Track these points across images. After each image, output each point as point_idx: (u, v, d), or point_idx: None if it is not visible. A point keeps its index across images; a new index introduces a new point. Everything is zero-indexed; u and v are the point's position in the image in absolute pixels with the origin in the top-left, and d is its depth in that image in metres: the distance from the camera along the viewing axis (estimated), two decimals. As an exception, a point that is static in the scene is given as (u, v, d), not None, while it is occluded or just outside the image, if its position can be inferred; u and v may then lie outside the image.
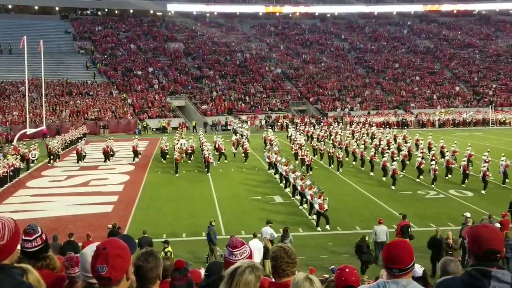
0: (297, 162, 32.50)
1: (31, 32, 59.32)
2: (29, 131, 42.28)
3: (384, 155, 30.69)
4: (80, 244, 14.39)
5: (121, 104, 58.40)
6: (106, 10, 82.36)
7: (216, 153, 35.17)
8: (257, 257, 13.99)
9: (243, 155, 35.36)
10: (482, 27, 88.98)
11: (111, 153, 36.27)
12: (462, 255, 14.94)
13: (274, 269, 3.35)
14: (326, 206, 19.62)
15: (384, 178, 28.06)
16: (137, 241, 14.77)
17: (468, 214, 17.05)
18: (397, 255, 3.18)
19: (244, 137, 40.24)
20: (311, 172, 29.52)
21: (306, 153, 31.58)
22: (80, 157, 35.61)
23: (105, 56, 69.98)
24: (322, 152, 34.36)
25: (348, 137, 41.56)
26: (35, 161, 34.86)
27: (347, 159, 33.80)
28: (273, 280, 3.51)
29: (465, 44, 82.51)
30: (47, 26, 72.91)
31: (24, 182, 29.63)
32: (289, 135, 45.99)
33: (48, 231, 17.29)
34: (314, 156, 34.50)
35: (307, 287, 3.09)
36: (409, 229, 16.80)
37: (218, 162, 33.78)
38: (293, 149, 35.71)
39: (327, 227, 19.63)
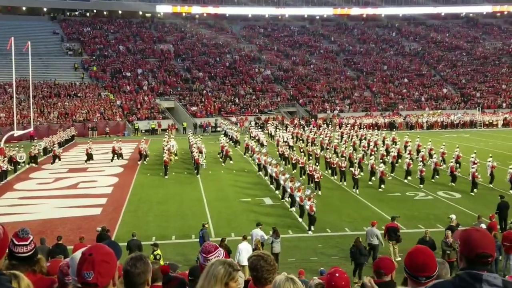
0: (282, 161, 32.72)
1: (18, 33, 58.78)
2: (17, 133, 41.89)
3: (371, 157, 30.82)
4: (70, 247, 14.32)
5: (109, 105, 58.11)
6: (95, 11, 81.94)
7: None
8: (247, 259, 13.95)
9: (222, 157, 35.62)
10: (469, 30, 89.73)
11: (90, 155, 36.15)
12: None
13: (256, 279, 3.32)
14: (314, 209, 19.66)
15: (370, 182, 28.02)
16: (126, 244, 14.72)
17: (453, 216, 17.20)
18: (424, 263, 3.17)
19: (227, 139, 40.33)
20: (320, 193, 25.36)
21: (315, 168, 27.23)
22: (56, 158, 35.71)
23: (94, 58, 69.60)
24: (328, 160, 30.67)
25: (337, 139, 41.66)
26: (23, 164, 34.60)
27: (312, 147, 34.81)
28: None
29: (453, 46, 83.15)
30: (35, 27, 72.38)
31: (12, 184, 29.38)
32: (269, 132, 46.88)
33: (36, 234, 17.14)
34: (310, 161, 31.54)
35: (285, 285, 3.07)
36: (397, 232, 16.83)
37: (205, 164, 33.43)
38: (279, 150, 35.84)
39: (312, 227, 19.67)
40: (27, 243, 3.87)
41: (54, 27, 76.07)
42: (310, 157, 32.54)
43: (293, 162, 31.56)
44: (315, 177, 25.89)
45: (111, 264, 2.87)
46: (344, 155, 32.79)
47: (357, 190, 26.08)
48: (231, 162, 35.06)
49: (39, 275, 3.81)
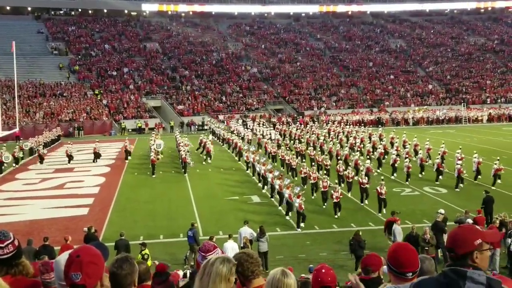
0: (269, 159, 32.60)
1: (3, 32, 58.35)
2: (1, 133, 41.45)
3: (355, 154, 30.92)
4: (57, 248, 14.25)
5: (96, 105, 57.75)
6: (80, 10, 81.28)
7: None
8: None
9: (204, 156, 35.69)
10: (453, 26, 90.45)
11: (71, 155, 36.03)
12: (435, 252, 15.25)
13: (242, 275, 3.35)
14: (303, 207, 19.74)
15: (356, 177, 27.99)
16: (113, 243, 14.67)
17: (442, 211, 17.31)
18: (409, 259, 3.21)
19: (215, 138, 40.41)
20: (338, 214, 21.33)
21: (334, 186, 22.53)
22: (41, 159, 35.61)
23: (79, 57, 69.09)
24: (342, 174, 26.32)
25: (324, 135, 41.82)
26: (17, 164, 34.47)
27: (322, 156, 33.52)
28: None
29: (437, 43, 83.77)
30: (19, 27, 71.68)
31: (-3, 185, 29.13)
32: (251, 128, 47.77)
33: (22, 235, 16.96)
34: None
35: (282, 279, 3.13)
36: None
37: (192, 163, 33.27)
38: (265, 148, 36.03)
39: (302, 225, 19.77)
40: (3, 245, 3.83)
41: (39, 27, 75.35)
42: (322, 170, 28.37)
43: (303, 176, 26.39)
44: (334, 196, 21.10)
45: (99, 266, 2.89)
46: (332, 152, 32.94)
47: (350, 193, 24.71)
48: (209, 161, 34.96)
49: (19, 277, 3.80)
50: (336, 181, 25.14)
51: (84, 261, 2.82)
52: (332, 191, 21.38)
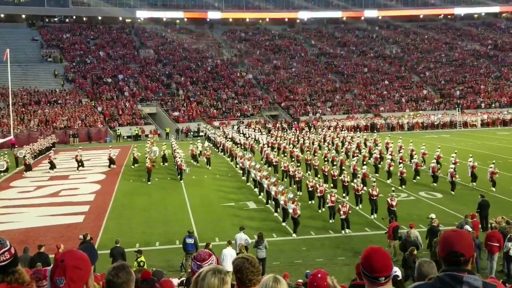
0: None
1: (-3, 40, 58.23)
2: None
3: (353, 159, 30.90)
4: (51, 256, 14.17)
5: (91, 112, 57.64)
6: (74, 17, 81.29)
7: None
8: (231, 265, 13.86)
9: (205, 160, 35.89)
10: (447, 32, 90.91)
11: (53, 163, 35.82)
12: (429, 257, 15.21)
13: (240, 281, 3.34)
14: (299, 212, 19.73)
15: (353, 183, 27.91)
16: (109, 251, 14.62)
17: (433, 215, 17.36)
18: (383, 263, 3.17)
19: (206, 144, 40.54)
20: (348, 231, 19.90)
21: (342, 200, 21.97)
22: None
23: (74, 64, 69.01)
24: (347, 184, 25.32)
25: (319, 141, 41.81)
26: (6, 172, 34.27)
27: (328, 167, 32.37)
28: None
29: (431, 48, 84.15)
30: (14, 34, 71.60)
31: (-8, 193, 28.97)
32: (243, 133, 48.23)
33: (18, 243, 16.88)
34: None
35: (274, 286, 3.12)
36: (398, 231, 17.03)
37: (188, 169, 33.18)
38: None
39: (294, 234, 19.64)
40: None
41: (33, 34, 75.29)
42: (328, 182, 26.76)
43: (309, 189, 24.33)
44: (341, 212, 19.82)
45: (84, 270, 2.87)
46: (327, 157, 32.90)
47: (360, 205, 23.45)
48: (209, 167, 35.08)
49: (15, 285, 3.78)
50: (344, 194, 24.08)
51: (68, 266, 2.81)
52: (339, 206, 20.13)
